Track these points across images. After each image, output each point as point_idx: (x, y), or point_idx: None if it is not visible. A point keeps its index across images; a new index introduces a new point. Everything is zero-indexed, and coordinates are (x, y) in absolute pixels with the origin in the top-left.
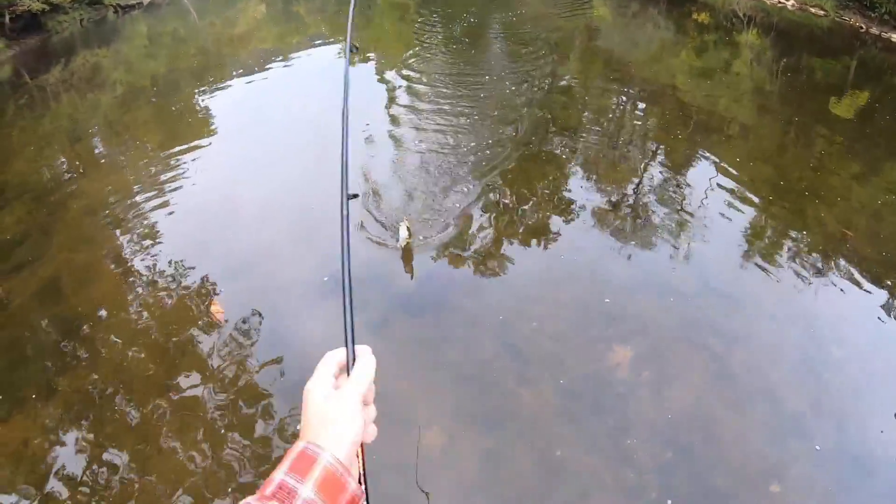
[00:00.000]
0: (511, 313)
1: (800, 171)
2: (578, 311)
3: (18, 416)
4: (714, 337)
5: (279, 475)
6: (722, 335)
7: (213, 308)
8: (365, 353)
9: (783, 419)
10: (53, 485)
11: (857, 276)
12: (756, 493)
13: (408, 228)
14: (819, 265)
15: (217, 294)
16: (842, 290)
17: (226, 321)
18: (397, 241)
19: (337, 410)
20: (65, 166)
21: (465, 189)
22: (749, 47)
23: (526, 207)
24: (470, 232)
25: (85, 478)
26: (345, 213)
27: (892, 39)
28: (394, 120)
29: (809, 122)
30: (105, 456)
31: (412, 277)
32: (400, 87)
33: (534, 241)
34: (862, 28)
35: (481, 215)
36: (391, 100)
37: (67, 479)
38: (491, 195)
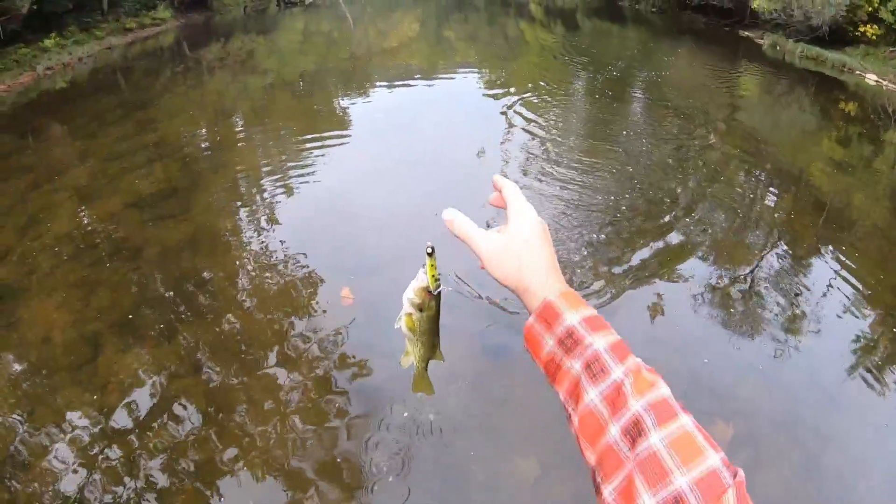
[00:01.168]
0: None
1: None
2: (685, 381)
3: (136, 349)
4: (812, 434)
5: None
6: (820, 434)
7: (344, 293)
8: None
9: None
10: (122, 418)
11: None
12: None
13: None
14: None
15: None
16: None
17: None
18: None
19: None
20: (217, 138)
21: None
22: (894, 146)
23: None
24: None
25: (163, 420)
26: None
27: None
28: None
29: None
30: (187, 410)
31: None
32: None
33: (644, 305)
34: None
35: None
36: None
37: (144, 418)
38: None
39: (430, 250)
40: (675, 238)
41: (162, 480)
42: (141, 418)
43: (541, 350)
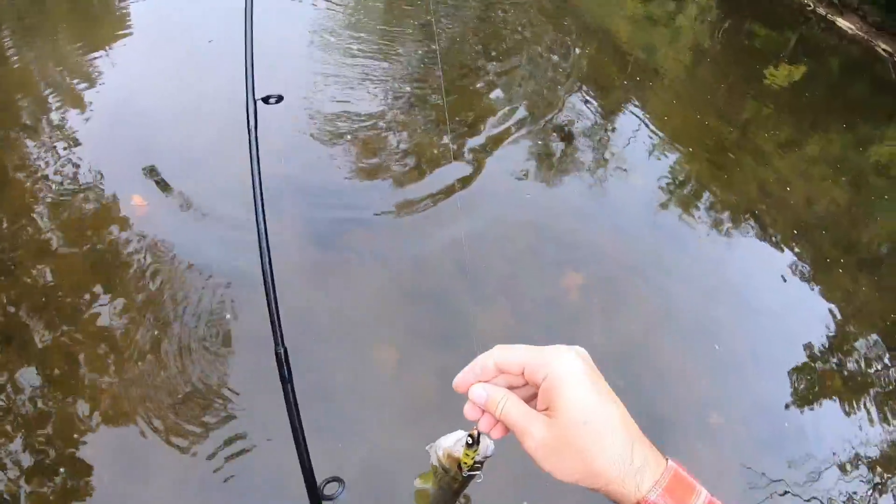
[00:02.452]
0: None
1: (728, 128)
2: (528, 236)
3: None
4: (657, 270)
5: None
6: (665, 270)
7: (136, 200)
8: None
9: (724, 356)
10: None
11: (782, 229)
12: (698, 422)
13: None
14: (748, 216)
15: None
16: (768, 240)
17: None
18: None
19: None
20: None
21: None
22: (696, 2)
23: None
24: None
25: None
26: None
27: (836, 23)
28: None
29: (743, 85)
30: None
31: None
32: None
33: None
34: (809, 6)
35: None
36: None
37: None
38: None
39: (470, 440)
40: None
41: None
42: None
43: None
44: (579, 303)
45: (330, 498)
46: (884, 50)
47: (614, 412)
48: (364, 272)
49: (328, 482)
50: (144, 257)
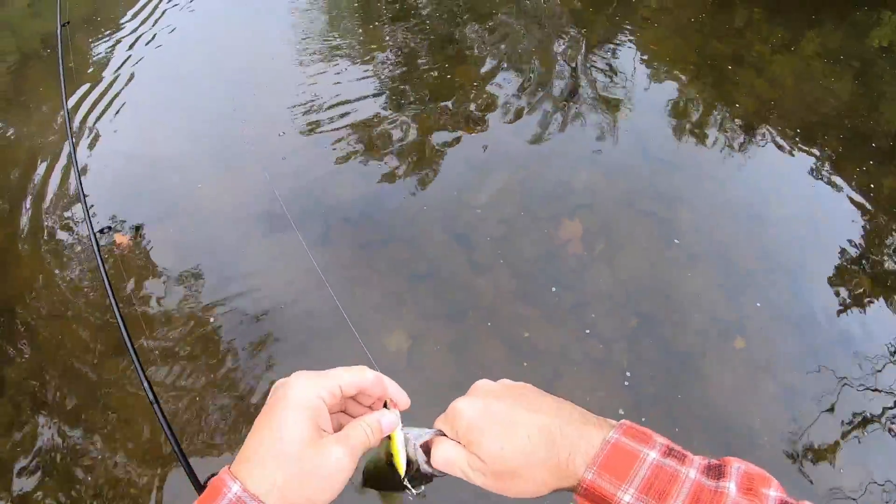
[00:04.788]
0: (452, 203)
1: (722, 41)
2: (522, 195)
3: None
4: (659, 202)
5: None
6: (666, 200)
7: (117, 239)
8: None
9: (736, 276)
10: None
11: (791, 136)
12: (722, 349)
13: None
14: (752, 128)
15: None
16: (776, 150)
17: (130, 242)
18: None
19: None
20: None
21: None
22: None
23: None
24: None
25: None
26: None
27: None
28: None
29: None
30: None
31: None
32: None
33: (461, 131)
34: None
35: (391, 109)
36: None
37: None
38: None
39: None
40: (470, 55)
41: None
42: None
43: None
44: (581, 253)
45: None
46: None
47: (525, 426)
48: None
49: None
50: None
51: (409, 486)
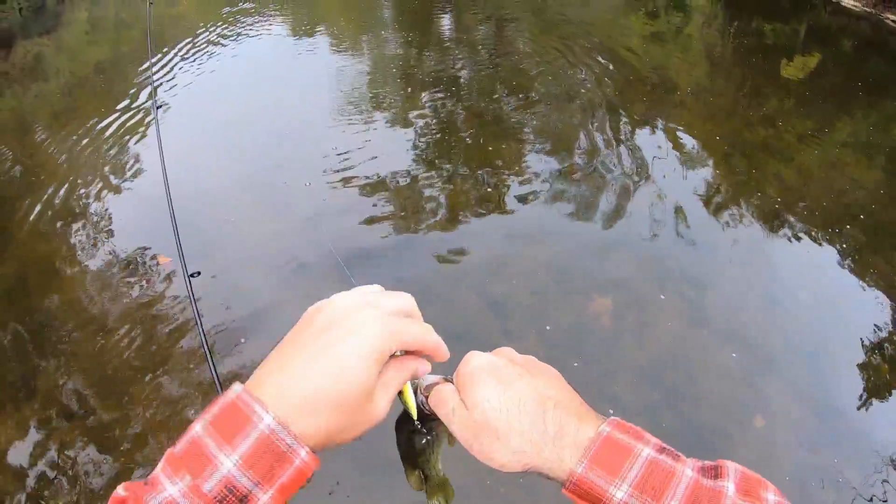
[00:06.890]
0: (487, 274)
1: (753, 130)
2: (551, 268)
3: None
4: (686, 283)
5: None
6: (693, 282)
7: (161, 259)
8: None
9: (758, 358)
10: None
11: (817, 224)
12: (742, 426)
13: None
14: (780, 216)
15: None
16: (802, 238)
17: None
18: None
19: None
20: (20, 157)
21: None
22: (700, 12)
23: (480, 172)
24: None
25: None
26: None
27: (842, 3)
28: None
29: (761, 83)
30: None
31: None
32: None
33: (491, 207)
34: None
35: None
36: None
37: (50, 480)
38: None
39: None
40: (510, 132)
41: None
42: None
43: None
44: (610, 326)
45: None
46: (892, 21)
47: (520, 390)
48: None
49: None
50: None
51: (420, 427)
